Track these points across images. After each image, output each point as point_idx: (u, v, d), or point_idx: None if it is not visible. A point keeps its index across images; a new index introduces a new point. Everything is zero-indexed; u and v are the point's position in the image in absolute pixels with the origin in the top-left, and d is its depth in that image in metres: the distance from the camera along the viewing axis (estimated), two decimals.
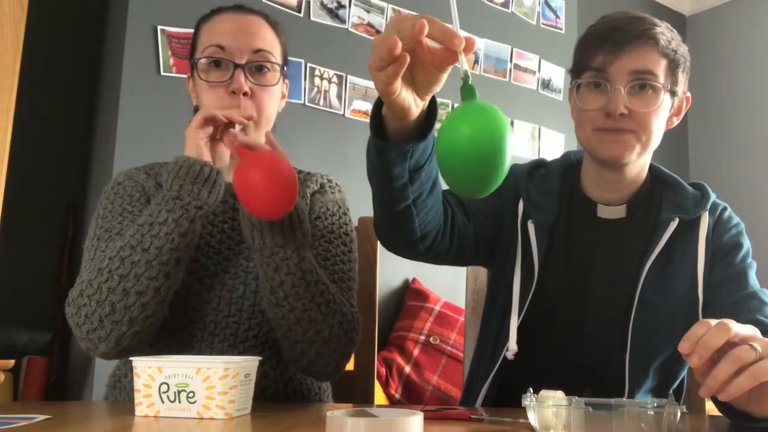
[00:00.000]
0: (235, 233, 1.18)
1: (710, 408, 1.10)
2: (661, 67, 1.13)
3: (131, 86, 2.33)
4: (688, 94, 1.21)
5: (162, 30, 2.41)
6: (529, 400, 0.80)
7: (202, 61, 1.14)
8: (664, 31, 1.15)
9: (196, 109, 1.25)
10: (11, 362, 1.89)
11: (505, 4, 3.43)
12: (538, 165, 1.30)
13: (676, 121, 1.21)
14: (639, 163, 1.19)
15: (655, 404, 0.76)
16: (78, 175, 2.58)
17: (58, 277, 2.43)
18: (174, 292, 1.05)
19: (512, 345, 1.13)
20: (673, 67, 1.15)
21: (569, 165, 1.28)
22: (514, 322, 1.15)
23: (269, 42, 1.17)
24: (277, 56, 1.17)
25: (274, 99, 1.18)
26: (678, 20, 4.52)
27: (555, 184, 1.24)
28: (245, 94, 1.11)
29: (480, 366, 1.24)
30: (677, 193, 1.22)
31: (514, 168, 1.26)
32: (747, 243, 1.21)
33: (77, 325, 1.02)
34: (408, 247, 1.08)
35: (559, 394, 0.81)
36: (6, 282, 2.39)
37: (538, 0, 3.56)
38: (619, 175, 1.19)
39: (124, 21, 2.37)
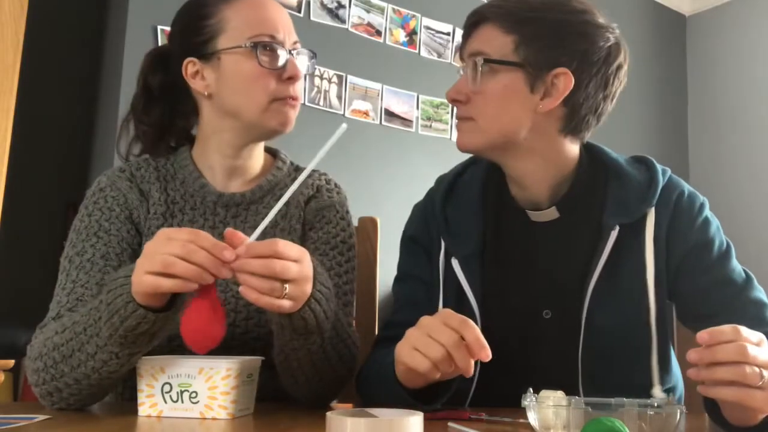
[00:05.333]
0: None
1: None
2: (499, 44, 1.03)
3: (131, 86, 2.33)
4: (565, 70, 1.03)
5: (162, 30, 2.41)
6: (529, 400, 0.80)
7: (261, 48, 1.07)
8: (514, 6, 1.05)
9: (188, 104, 1.15)
10: (11, 362, 1.89)
11: None
12: (459, 173, 1.20)
13: (549, 103, 1.04)
14: (537, 152, 1.06)
15: (655, 404, 0.77)
16: (78, 175, 2.58)
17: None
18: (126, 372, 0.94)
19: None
20: (526, 41, 1.02)
21: (493, 166, 1.16)
22: None
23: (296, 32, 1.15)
24: None
25: None
26: (678, 20, 4.51)
27: (477, 195, 1.15)
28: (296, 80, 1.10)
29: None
30: (622, 185, 1.08)
31: (428, 204, 1.19)
32: (715, 227, 1.08)
33: (34, 385, 0.96)
34: None
35: (559, 394, 0.81)
36: (6, 282, 2.39)
37: None
38: (511, 170, 1.10)
39: (124, 21, 2.37)
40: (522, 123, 1.05)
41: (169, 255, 0.81)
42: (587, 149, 1.14)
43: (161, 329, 0.87)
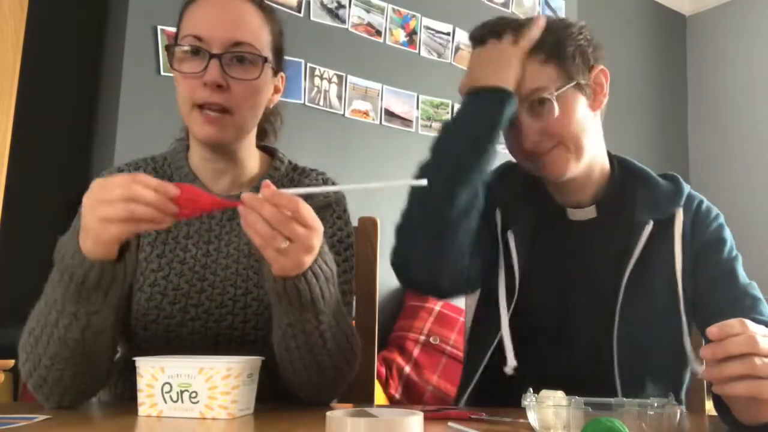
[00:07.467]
0: (222, 253, 1.10)
1: (710, 408, 1.10)
2: (548, 76, 1.09)
3: (131, 86, 2.33)
4: (601, 67, 1.15)
5: (162, 30, 2.41)
6: (529, 400, 0.80)
7: (178, 49, 1.05)
8: (544, 34, 1.12)
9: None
10: (11, 362, 1.89)
11: (505, 4, 3.43)
12: (509, 167, 1.26)
13: (603, 100, 1.16)
14: (587, 164, 1.15)
15: (655, 404, 0.77)
16: (78, 175, 2.58)
17: None
18: (110, 358, 0.98)
19: (510, 361, 1.09)
20: (565, 65, 1.10)
21: None
22: (507, 340, 1.11)
23: (253, 31, 1.06)
24: (263, 46, 1.06)
25: (259, 93, 1.07)
26: (678, 20, 4.52)
27: (524, 188, 1.22)
28: (219, 86, 1.02)
29: (468, 370, 1.21)
30: (650, 188, 1.18)
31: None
32: (729, 235, 1.18)
33: (25, 380, 0.97)
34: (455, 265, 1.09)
35: (559, 394, 0.81)
36: (6, 282, 2.39)
37: (538, 0, 3.56)
38: (574, 182, 1.16)
39: (124, 21, 2.37)
40: (592, 128, 1.14)
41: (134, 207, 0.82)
42: (615, 158, 1.23)
43: (112, 282, 0.88)
